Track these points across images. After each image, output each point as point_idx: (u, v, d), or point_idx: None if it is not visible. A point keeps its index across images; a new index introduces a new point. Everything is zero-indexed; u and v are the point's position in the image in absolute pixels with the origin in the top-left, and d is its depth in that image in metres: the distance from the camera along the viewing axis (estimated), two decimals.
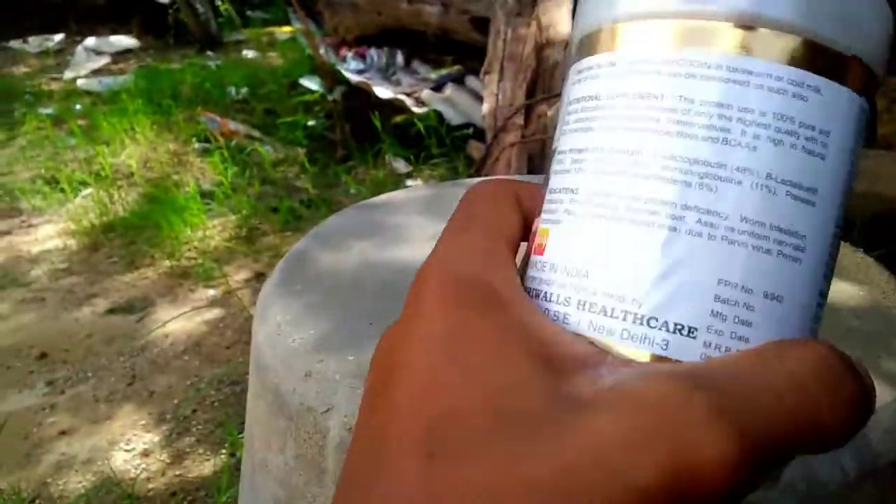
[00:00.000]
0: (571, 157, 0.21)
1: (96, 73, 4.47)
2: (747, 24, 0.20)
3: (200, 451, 1.54)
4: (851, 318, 0.69)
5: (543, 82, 2.42)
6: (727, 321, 0.19)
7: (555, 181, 0.22)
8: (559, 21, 2.33)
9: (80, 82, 4.16)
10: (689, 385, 0.16)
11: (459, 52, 3.56)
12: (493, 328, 0.19)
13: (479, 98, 2.92)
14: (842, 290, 0.72)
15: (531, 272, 0.22)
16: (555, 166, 0.22)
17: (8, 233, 2.65)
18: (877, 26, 0.21)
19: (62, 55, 4.94)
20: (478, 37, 3.15)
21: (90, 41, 4.96)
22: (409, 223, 1.00)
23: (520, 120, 2.32)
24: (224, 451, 1.52)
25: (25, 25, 5.26)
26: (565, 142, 0.22)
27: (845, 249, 0.85)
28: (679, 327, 0.19)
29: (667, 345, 0.19)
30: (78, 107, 3.77)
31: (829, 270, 0.21)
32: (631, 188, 0.20)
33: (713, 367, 0.18)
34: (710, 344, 0.19)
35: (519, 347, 0.18)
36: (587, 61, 0.22)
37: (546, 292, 0.21)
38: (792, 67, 0.20)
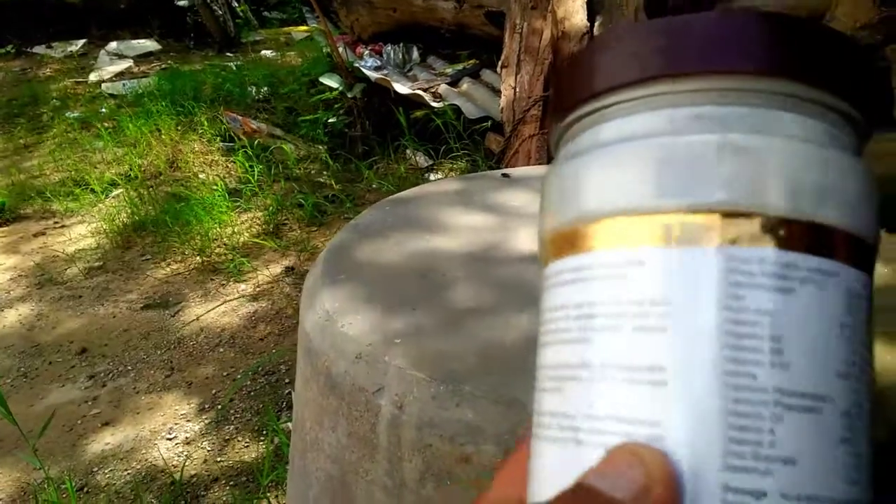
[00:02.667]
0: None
1: (119, 76, 4.56)
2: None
3: (240, 438, 1.60)
4: (877, 296, 0.73)
5: None
6: None
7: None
8: (574, 13, 2.36)
9: (104, 86, 4.24)
10: None
11: (474, 46, 3.60)
12: None
13: (496, 91, 2.96)
14: None
15: None
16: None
17: (42, 233, 2.73)
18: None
19: (85, 59, 5.03)
20: (492, 31, 3.19)
21: (112, 45, 5.04)
22: (440, 214, 1.04)
23: (538, 111, 2.36)
24: (263, 437, 1.58)
25: (49, 31, 5.36)
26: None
27: None
28: None
29: None
30: (103, 110, 3.85)
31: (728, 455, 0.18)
32: (536, 403, 0.21)
33: None
34: None
35: None
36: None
37: None
38: (602, 251, 0.20)
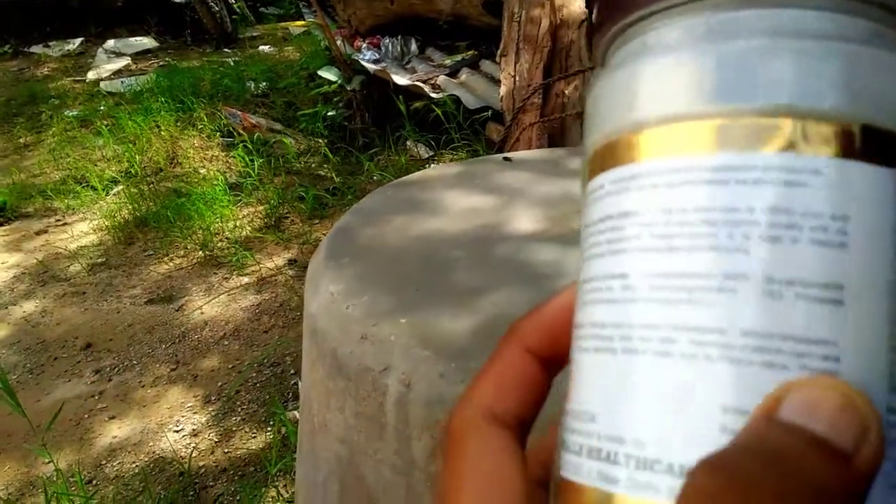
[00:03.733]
0: (583, 287, 0.20)
1: (117, 74, 4.55)
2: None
3: (247, 429, 1.60)
4: None
5: (560, 62, 2.45)
6: None
7: (578, 314, 0.20)
8: (572, 1, 2.36)
9: (102, 84, 4.24)
10: None
11: (473, 37, 3.60)
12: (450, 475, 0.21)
13: (495, 81, 2.96)
14: None
15: (563, 419, 0.20)
16: (577, 298, 0.21)
17: (45, 231, 2.73)
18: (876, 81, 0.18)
19: (83, 58, 5.03)
20: (490, 21, 3.18)
21: (110, 43, 5.04)
22: (442, 197, 1.04)
23: (538, 100, 2.36)
24: (270, 428, 1.58)
25: (46, 30, 5.36)
26: (582, 271, 0.20)
27: None
28: (685, 470, 0.16)
29: (673, 492, 0.16)
30: (102, 107, 3.85)
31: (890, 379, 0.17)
32: (622, 316, 0.18)
33: None
34: None
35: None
36: (600, 178, 0.20)
37: (567, 441, 0.19)
38: (777, 153, 0.17)
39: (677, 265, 0.18)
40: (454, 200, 1.03)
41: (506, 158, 1.18)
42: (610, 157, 0.19)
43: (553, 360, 0.22)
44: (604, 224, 0.19)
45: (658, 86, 0.19)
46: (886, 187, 0.17)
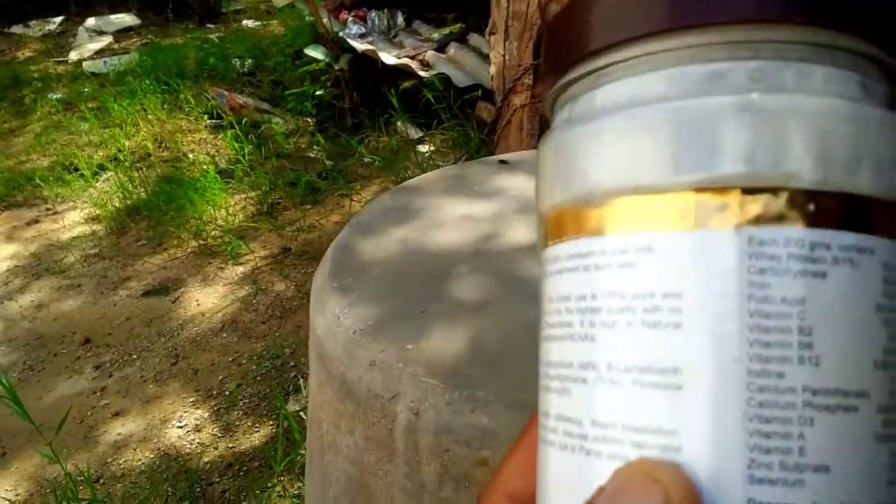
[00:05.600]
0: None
1: (100, 53, 4.49)
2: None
3: (249, 423, 1.63)
4: None
5: None
6: None
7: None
8: None
9: (85, 64, 4.18)
10: None
11: (460, 8, 3.56)
12: None
13: (484, 57, 2.94)
14: None
15: None
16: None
17: (36, 221, 2.72)
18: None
19: (64, 38, 4.94)
20: None
21: (90, 21, 4.95)
22: (441, 206, 1.05)
23: (528, 80, 2.35)
24: (273, 422, 1.61)
25: (26, 9, 5.25)
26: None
27: None
28: None
29: None
30: (86, 90, 3.80)
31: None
32: (543, 405, 0.19)
33: None
34: None
35: None
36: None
37: None
38: (612, 235, 0.17)
39: (557, 354, 0.18)
40: (452, 209, 1.04)
41: (502, 161, 1.19)
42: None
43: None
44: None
45: (603, 154, 0.18)
46: (722, 254, 0.16)
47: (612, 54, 0.18)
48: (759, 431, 0.15)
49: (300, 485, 1.39)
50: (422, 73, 2.89)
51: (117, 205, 2.68)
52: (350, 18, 3.76)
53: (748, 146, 0.16)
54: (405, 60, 3.00)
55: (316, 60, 3.25)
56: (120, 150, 3.06)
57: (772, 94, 0.16)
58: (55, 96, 3.74)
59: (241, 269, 2.23)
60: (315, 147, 2.95)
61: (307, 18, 3.72)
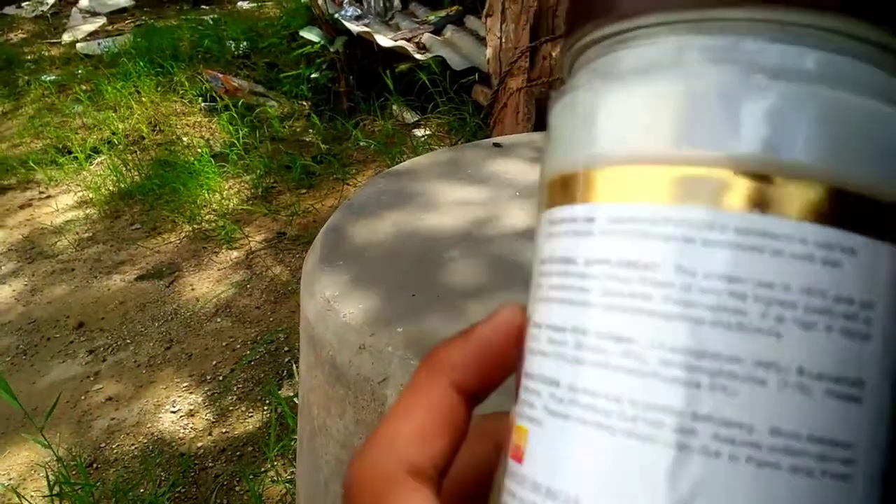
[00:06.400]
0: (548, 335, 0.17)
1: (93, 35, 4.45)
2: (760, 173, 0.15)
3: (243, 408, 1.62)
4: None
5: (547, 23, 2.42)
6: None
7: (531, 362, 0.18)
8: None
9: (78, 46, 4.14)
10: None
11: None
12: None
13: (480, 39, 2.91)
14: None
15: (510, 484, 0.17)
16: (530, 342, 0.18)
17: (28, 205, 2.70)
18: None
19: (58, 19, 4.89)
20: None
21: (84, 2, 4.91)
22: (434, 190, 1.04)
23: (525, 63, 2.33)
24: (266, 407, 1.60)
25: None
26: (540, 312, 0.18)
27: None
28: None
29: None
30: (80, 72, 3.77)
31: (882, 485, 0.16)
32: (625, 388, 0.16)
33: None
34: None
35: None
36: (559, 212, 0.18)
37: None
38: (819, 225, 0.15)
39: (697, 341, 0.16)
40: (445, 193, 1.02)
41: (496, 144, 1.17)
42: (567, 191, 0.18)
43: (479, 396, 0.20)
44: (559, 266, 0.17)
45: (619, 119, 0.17)
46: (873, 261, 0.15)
47: (639, 18, 0.17)
48: None
49: (293, 469, 1.39)
50: (418, 56, 2.87)
51: (111, 188, 2.66)
52: (346, 0, 3.73)
53: (790, 134, 0.15)
54: (401, 43, 2.98)
55: (311, 43, 3.22)
56: (114, 133, 3.04)
57: (825, 85, 0.16)
58: (48, 78, 3.71)
59: (235, 253, 2.22)
60: (310, 131, 2.93)
61: (303, 0, 3.68)
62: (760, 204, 0.15)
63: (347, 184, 2.50)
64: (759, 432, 0.15)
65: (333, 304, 0.80)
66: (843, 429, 0.15)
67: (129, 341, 1.89)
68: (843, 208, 0.15)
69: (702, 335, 0.15)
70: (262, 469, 1.44)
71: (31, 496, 1.44)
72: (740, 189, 0.15)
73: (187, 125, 3.08)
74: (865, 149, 0.16)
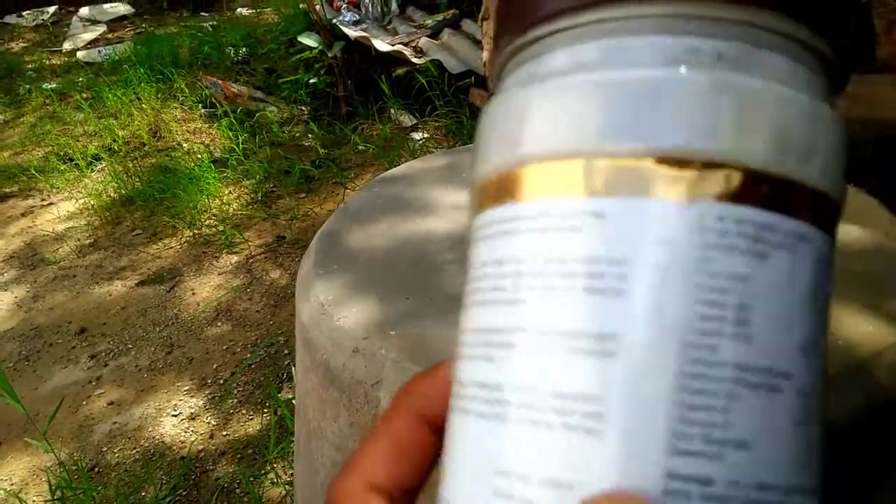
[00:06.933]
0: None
1: (94, 43, 4.47)
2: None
3: (244, 412, 1.63)
4: (855, 261, 0.74)
5: None
6: None
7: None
8: None
9: (79, 54, 4.16)
10: None
11: None
12: None
13: (477, 42, 2.93)
14: (846, 233, 0.77)
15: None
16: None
17: (30, 212, 2.72)
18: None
19: (58, 27, 4.92)
20: None
21: (84, 11, 4.93)
22: (430, 194, 1.05)
23: None
24: (266, 410, 1.61)
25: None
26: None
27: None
28: None
29: None
30: (80, 80, 3.79)
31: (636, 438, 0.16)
32: (459, 371, 0.19)
33: None
34: None
35: None
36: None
37: None
38: (568, 198, 0.17)
39: (481, 320, 0.18)
40: (441, 197, 1.04)
41: None
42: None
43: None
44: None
45: (541, 119, 0.18)
46: (673, 224, 0.16)
47: (558, 22, 0.18)
48: (687, 403, 0.15)
49: (293, 471, 1.40)
50: (415, 60, 2.88)
51: (112, 195, 2.68)
52: (343, 5, 3.74)
53: (711, 123, 0.16)
54: (399, 47, 2.99)
55: (309, 48, 3.24)
56: (114, 140, 3.06)
57: (736, 73, 0.16)
58: (49, 86, 3.73)
59: (235, 258, 2.23)
60: (309, 135, 2.94)
61: (301, 6, 3.70)
62: (523, 193, 0.17)
63: (346, 188, 2.51)
64: (507, 391, 0.17)
65: (327, 307, 0.81)
66: (588, 383, 0.16)
67: (130, 346, 1.90)
68: (582, 176, 0.17)
69: (477, 314, 0.18)
70: (263, 471, 1.45)
71: (33, 501, 1.45)
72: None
73: (187, 131, 3.09)
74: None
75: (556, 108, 0.17)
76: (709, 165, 0.16)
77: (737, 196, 0.16)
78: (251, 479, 1.43)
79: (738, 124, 0.16)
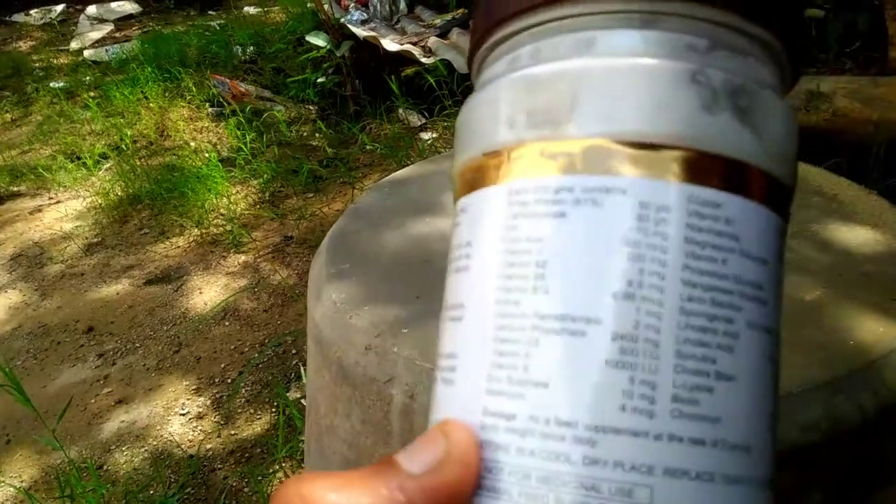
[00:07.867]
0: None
1: (101, 42, 4.48)
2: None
3: (251, 411, 1.63)
4: (866, 263, 0.74)
5: None
6: None
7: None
8: None
9: (86, 53, 4.17)
10: None
11: None
12: None
13: None
14: (856, 235, 0.77)
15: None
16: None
17: (38, 210, 2.72)
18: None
19: (66, 26, 4.93)
20: None
21: (91, 9, 4.94)
22: (439, 194, 1.05)
23: None
24: (274, 409, 1.61)
25: None
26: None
27: (858, 191, 0.89)
28: None
29: None
30: (88, 78, 3.80)
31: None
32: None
33: None
34: None
35: None
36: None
37: None
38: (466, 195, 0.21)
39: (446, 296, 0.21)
40: (450, 196, 1.03)
41: None
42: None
43: None
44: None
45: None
46: (494, 205, 0.19)
47: (520, 21, 0.21)
48: (498, 351, 0.18)
49: (301, 470, 1.39)
50: (424, 60, 2.88)
51: (119, 193, 2.68)
52: (352, 4, 3.74)
53: (509, 114, 0.19)
54: (407, 47, 2.99)
55: (317, 47, 3.24)
56: (122, 139, 3.06)
57: (548, 62, 0.19)
58: (57, 85, 3.74)
59: (242, 257, 2.23)
60: (317, 135, 2.94)
61: (308, 5, 3.70)
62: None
63: (354, 187, 2.51)
64: (439, 357, 0.21)
65: (339, 306, 0.81)
66: (450, 344, 0.20)
67: (138, 345, 1.90)
68: (470, 173, 0.21)
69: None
70: (271, 470, 1.45)
71: (43, 498, 1.45)
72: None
73: (195, 130, 3.10)
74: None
75: (524, 99, 0.20)
76: (513, 150, 0.19)
77: (534, 169, 0.18)
78: (259, 478, 1.43)
79: (523, 110, 0.19)
